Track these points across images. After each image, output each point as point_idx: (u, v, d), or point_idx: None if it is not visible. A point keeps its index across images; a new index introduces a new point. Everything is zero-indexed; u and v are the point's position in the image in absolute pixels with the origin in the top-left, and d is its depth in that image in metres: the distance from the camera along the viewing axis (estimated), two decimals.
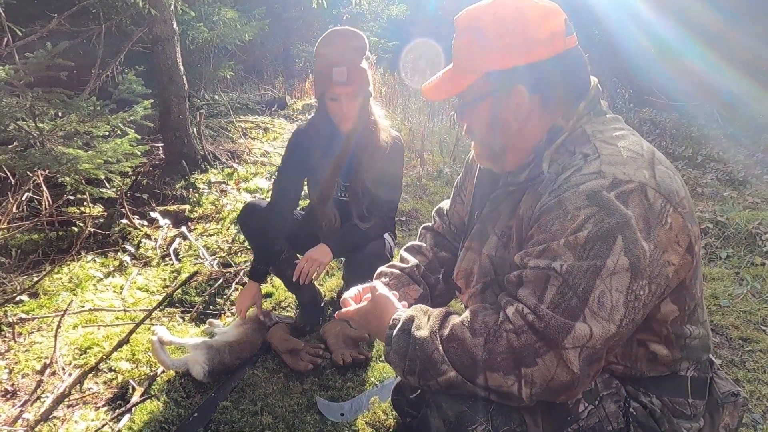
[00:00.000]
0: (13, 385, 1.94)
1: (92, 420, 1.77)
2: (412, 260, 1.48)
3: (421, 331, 1.02)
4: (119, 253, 3.05)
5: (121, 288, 2.70)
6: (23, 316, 2.35)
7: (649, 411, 1.07)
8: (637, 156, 1.00)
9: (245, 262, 2.97)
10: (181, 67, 4.21)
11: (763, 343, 2.25)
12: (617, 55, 7.81)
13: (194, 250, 3.13)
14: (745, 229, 3.27)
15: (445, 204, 1.58)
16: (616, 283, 0.91)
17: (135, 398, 1.84)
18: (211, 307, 2.58)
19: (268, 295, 2.65)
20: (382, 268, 1.48)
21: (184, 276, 2.79)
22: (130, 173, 3.76)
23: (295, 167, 2.22)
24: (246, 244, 3.05)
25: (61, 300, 2.51)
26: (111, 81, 3.92)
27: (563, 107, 1.08)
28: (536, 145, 1.10)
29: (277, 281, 2.63)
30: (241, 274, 2.83)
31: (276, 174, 2.32)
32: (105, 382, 1.96)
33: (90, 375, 1.96)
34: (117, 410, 1.81)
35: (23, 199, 3.04)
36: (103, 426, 1.73)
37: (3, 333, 2.24)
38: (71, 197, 3.31)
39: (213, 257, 3.05)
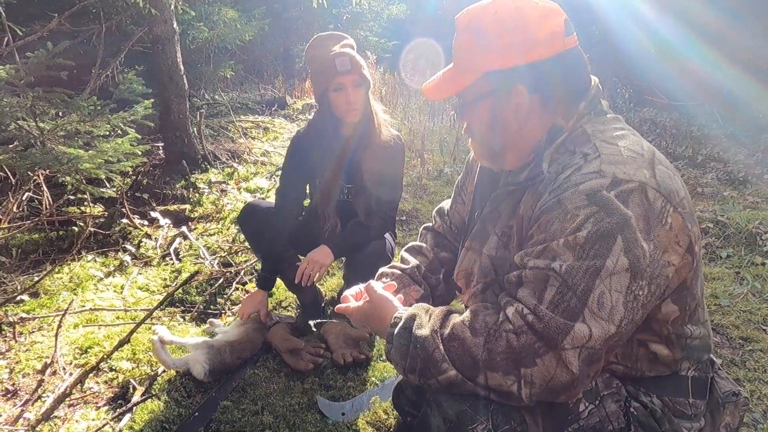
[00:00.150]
0: (13, 384, 1.94)
1: (93, 419, 1.77)
2: (413, 261, 1.48)
3: (422, 330, 1.03)
4: (120, 253, 3.05)
5: (122, 288, 2.70)
6: (24, 315, 2.35)
7: (650, 411, 1.07)
8: (638, 156, 1.00)
9: (246, 261, 2.97)
10: (182, 67, 4.21)
11: (763, 342, 2.25)
12: (617, 54, 7.81)
13: (195, 250, 3.13)
14: (745, 229, 3.27)
15: (446, 204, 1.58)
16: (616, 283, 0.91)
17: (136, 398, 1.85)
18: (211, 306, 2.58)
19: (269, 294, 2.65)
20: (383, 269, 1.48)
21: (184, 276, 2.79)
22: (130, 173, 3.76)
23: (297, 171, 2.21)
24: (246, 244, 3.05)
25: (62, 299, 2.51)
26: (111, 81, 3.92)
27: (563, 107, 1.08)
28: (536, 144, 1.10)
29: (278, 281, 2.63)
30: (242, 273, 2.84)
31: (278, 180, 2.31)
32: (106, 382, 1.96)
33: (91, 374, 1.97)
34: (118, 410, 1.81)
35: (24, 198, 3.04)
36: (104, 425, 1.73)
37: (4, 332, 2.24)
38: (72, 197, 3.31)
39: (213, 257, 3.05)
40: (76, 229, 3.20)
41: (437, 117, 6.42)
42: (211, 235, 3.38)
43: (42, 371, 2.00)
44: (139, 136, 3.10)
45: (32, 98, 2.43)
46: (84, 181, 3.01)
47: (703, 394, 1.11)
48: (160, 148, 4.41)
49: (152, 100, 3.03)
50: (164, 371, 1.98)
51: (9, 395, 1.89)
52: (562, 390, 0.94)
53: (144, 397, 1.85)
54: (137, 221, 3.39)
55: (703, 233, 3.35)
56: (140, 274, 2.86)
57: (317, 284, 2.42)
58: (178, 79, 4.18)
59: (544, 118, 1.09)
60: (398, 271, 1.45)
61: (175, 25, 4.07)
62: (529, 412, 1.03)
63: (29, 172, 2.82)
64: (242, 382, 1.94)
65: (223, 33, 5.80)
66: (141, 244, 3.18)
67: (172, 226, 3.48)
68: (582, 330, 0.90)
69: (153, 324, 2.31)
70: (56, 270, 2.78)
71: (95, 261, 2.96)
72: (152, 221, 3.48)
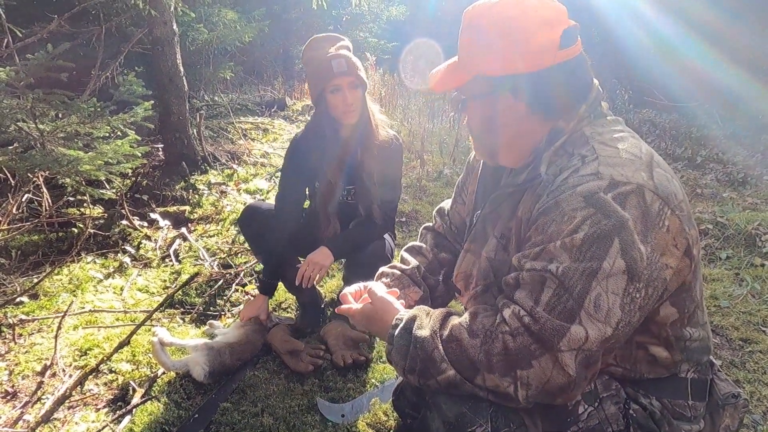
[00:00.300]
0: (13, 386, 1.94)
1: (93, 421, 1.77)
2: (413, 261, 1.48)
3: (422, 330, 1.03)
4: (119, 255, 3.05)
5: (122, 289, 2.70)
6: (23, 317, 2.35)
7: (649, 413, 1.07)
8: (636, 158, 1.00)
9: (245, 263, 2.97)
10: (181, 69, 4.21)
11: (763, 343, 2.25)
12: (617, 55, 7.81)
13: (194, 252, 3.13)
14: (744, 230, 3.27)
15: (446, 204, 1.59)
16: (613, 285, 0.91)
17: (135, 400, 1.85)
18: (211, 308, 2.58)
19: None
20: (383, 269, 1.48)
21: (184, 277, 2.79)
22: (130, 174, 3.76)
23: (296, 174, 2.21)
24: (246, 245, 3.05)
25: (62, 301, 2.51)
26: (111, 82, 3.92)
27: (563, 111, 1.08)
28: (536, 146, 1.10)
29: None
30: (241, 275, 2.84)
31: (278, 184, 2.31)
32: (105, 384, 1.96)
33: (90, 376, 1.97)
34: (117, 412, 1.81)
35: (23, 200, 3.04)
36: (104, 427, 1.73)
37: (3, 334, 2.24)
38: (71, 198, 3.31)
39: (213, 258, 3.05)
40: (76, 230, 3.20)
41: (437, 118, 6.42)
42: (210, 236, 3.38)
43: (41, 373, 2.00)
44: (139, 138, 3.10)
45: (32, 100, 2.43)
46: (84, 183, 3.01)
47: (703, 396, 1.11)
48: (160, 149, 4.41)
49: (152, 101, 3.03)
50: (164, 373, 1.98)
51: (8, 397, 1.89)
52: (559, 392, 0.94)
53: (144, 399, 1.85)
54: (137, 223, 3.39)
55: (702, 234, 3.35)
56: (140, 275, 2.86)
57: (317, 286, 2.43)
58: (177, 80, 4.19)
59: (543, 122, 1.09)
60: (398, 272, 1.45)
61: (174, 27, 4.08)
62: (528, 415, 1.03)
63: (29, 174, 2.83)
64: (242, 383, 1.94)
65: (222, 34, 5.81)
66: (141, 246, 3.18)
67: (171, 227, 3.48)
68: (578, 332, 0.90)
69: (153, 326, 2.31)
70: (56, 271, 2.78)
71: (95, 262, 2.96)
72: (152, 223, 3.48)
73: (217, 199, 3.92)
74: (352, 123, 2.05)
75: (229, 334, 2.12)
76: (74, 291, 2.63)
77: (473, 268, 1.23)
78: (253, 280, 2.82)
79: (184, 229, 3.42)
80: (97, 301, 2.56)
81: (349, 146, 2.11)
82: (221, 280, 2.77)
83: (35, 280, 2.67)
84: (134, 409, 1.81)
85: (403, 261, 1.51)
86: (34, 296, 2.57)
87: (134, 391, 1.90)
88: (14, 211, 2.91)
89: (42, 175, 2.99)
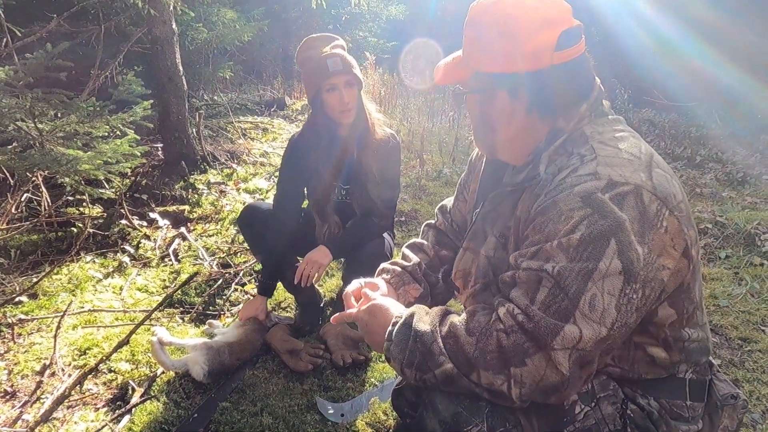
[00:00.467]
0: (12, 386, 1.94)
1: (92, 421, 1.77)
2: (414, 258, 1.49)
3: (422, 324, 1.03)
4: (118, 254, 3.05)
5: (121, 289, 2.71)
6: (23, 317, 2.35)
7: (647, 413, 1.07)
8: (635, 158, 1.00)
9: (245, 262, 2.97)
10: (181, 68, 4.21)
11: (762, 343, 2.25)
12: (617, 54, 7.80)
13: (194, 251, 3.13)
14: (744, 230, 3.28)
15: (449, 201, 1.59)
16: (609, 286, 0.91)
17: (135, 399, 1.85)
18: (210, 307, 2.58)
19: None
20: (384, 265, 1.48)
21: (183, 277, 2.79)
22: (129, 174, 3.77)
23: (294, 174, 2.20)
24: (245, 245, 3.05)
25: (61, 301, 2.51)
26: (110, 82, 3.93)
27: (563, 110, 1.08)
28: (536, 145, 1.11)
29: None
30: (241, 274, 2.84)
31: (276, 184, 2.31)
32: (105, 383, 1.96)
33: (90, 376, 1.97)
34: (117, 411, 1.81)
35: (22, 199, 3.04)
36: (103, 427, 1.74)
37: (2, 334, 2.24)
38: (70, 198, 3.31)
39: (212, 258, 3.05)
40: (75, 230, 3.20)
41: (436, 118, 6.42)
42: (210, 236, 3.38)
43: (41, 372, 2.00)
44: (138, 137, 3.10)
45: (31, 99, 2.43)
46: (83, 182, 3.02)
47: (701, 397, 1.11)
48: (159, 149, 4.41)
49: (151, 101, 3.03)
50: (163, 372, 1.98)
51: (8, 396, 1.89)
52: (553, 391, 0.94)
53: (143, 399, 1.85)
54: (136, 222, 3.40)
55: (701, 234, 3.35)
56: (139, 275, 2.86)
57: (316, 285, 2.42)
58: (177, 80, 4.19)
59: (542, 121, 1.10)
60: (399, 268, 1.45)
61: (174, 26, 4.08)
62: (524, 414, 1.03)
63: (28, 173, 2.83)
64: (241, 383, 1.94)
65: (222, 34, 5.80)
66: (140, 245, 3.18)
67: (171, 227, 3.48)
68: (572, 331, 0.90)
69: (152, 325, 2.31)
70: (55, 271, 2.78)
71: (94, 262, 2.96)
72: (151, 222, 3.48)
73: (217, 198, 3.92)
74: (349, 122, 2.05)
75: (229, 334, 2.12)
76: (73, 290, 2.63)
77: (472, 266, 1.23)
78: (253, 280, 2.82)
79: (183, 229, 3.42)
80: (97, 300, 2.56)
81: (346, 145, 2.11)
82: (220, 280, 2.77)
83: (34, 280, 2.67)
84: (133, 409, 1.81)
85: (404, 257, 1.51)
86: (34, 296, 2.57)
87: (133, 390, 1.90)
88: (13, 210, 2.91)
89: (41, 175, 2.99)
